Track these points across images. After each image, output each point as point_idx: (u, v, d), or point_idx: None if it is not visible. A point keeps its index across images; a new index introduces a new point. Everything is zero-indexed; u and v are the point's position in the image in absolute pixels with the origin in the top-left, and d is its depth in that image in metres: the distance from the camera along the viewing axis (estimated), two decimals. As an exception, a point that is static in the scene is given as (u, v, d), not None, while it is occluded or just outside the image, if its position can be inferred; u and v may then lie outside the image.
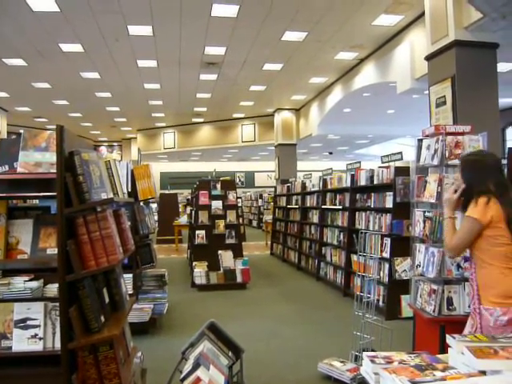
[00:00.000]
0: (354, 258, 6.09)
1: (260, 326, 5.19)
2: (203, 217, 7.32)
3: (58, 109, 16.50)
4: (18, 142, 2.28)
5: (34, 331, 2.23)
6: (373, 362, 1.41)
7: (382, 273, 5.20)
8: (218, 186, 7.43)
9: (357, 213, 6.12)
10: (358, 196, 6.14)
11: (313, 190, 8.27)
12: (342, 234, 6.63)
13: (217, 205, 7.32)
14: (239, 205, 16.56)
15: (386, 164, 5.52)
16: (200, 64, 11.46)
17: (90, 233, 2.12)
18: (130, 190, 4.87)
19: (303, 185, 8.93)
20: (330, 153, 22.31)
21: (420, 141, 3.41)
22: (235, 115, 18.43)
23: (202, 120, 19.34)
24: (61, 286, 2.08)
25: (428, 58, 6.69)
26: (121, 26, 8.88)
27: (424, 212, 3.20)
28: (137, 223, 4.92)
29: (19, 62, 11.06)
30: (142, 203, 5.11)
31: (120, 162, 4.99)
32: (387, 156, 5.53)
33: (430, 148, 3.18)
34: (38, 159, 2.25)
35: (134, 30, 9.12)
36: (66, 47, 10.08)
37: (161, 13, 8.39)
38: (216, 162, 24.98)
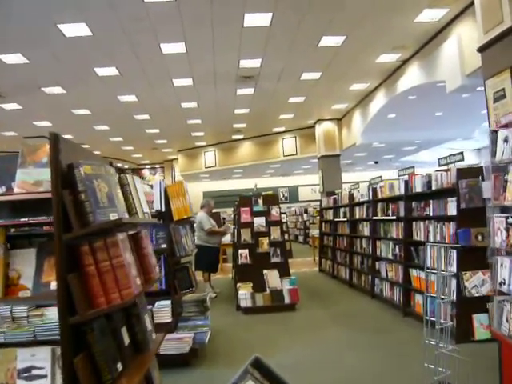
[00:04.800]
0: (413, 272, 5.47)
1: (312, 355, 4.64)
2: (246, 235, 6.90)
3: (99, 134, 16.72)
4: (16, 159, 1.94)
5: (40, 383, 1.85)
6: None
7: (447, 289, 4.55)
8: (260, 201, 7.00)
9: (413, 223, 5.50)
10: (413, 204, 5.52)
11: (362, 200, 7.68)
12: (397, 246, 6.02)
13: (259, 222, 6.88)
14: (284, 220, 16.07)
15: (445, 167, 4.92)
16: (236, 78, 11.21)
17: (97, 263, 1.73)
18: (163, 209, 4.54)
19: (351, 196, 8.35)
20: (376, 162, 21.50)
21: (494, 133, 2.83)
22: (275, 129, 18.07)
23: (242, 136, 19.11)
24: (63, 330, 1.68)
25: (481, 50, 5.99)
26: (154, 45, 8.74)
27: (507, 218, 2.63)
28: (173, 245, 4.56)
29: (58, 89, 11.19)
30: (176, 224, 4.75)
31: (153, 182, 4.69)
32: (445, 158, 4.94)
33: (509, 140, 2.62)
34: (37, 177, 1.90)
35: (167, 48, 8.96)
36: (102, 71, 10.08)
37: (192, 28, 8.19)
38: (258, 178, 24.65)
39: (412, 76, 10.19)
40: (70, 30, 7.95)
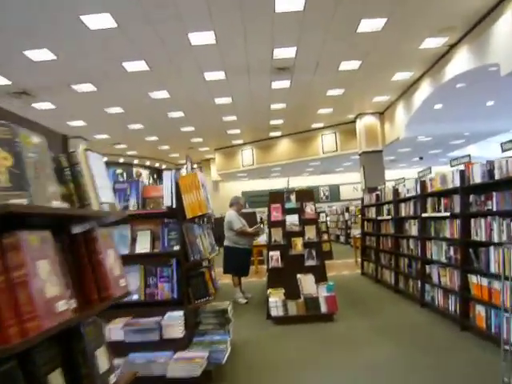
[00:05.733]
0: (473, 279, 4.61)
1: (354, 379, 3.89)
2: (277, 235, 6.20)
3: (134, 133, 16.51)
4: None
5: None
6: None
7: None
8: (293, 197, 6.28)
9: (472, 220, 4.64)
10: (471, 198, 4.66)
11: (408, 195, 6.80)
12: (451, 248, 5.15)
13: (292, 220, 6.16)
14: (324, 220, 15.28)
15: (510, 150, 4.08)
16: (270, 70, 10.58)
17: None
18: (174, 205, 3.94)
19: (395, 191, 7.49)
20: (421, 158, 20.29)
21: None
22: (314, 125, 17.33)
23: (279, 134, 18.48)
24: None
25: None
26: (181, 35, 8.27)
27: None
28: (186, 247, 3.95)
29: (89, 87, 10.93)
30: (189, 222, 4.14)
31: (164, 172, 4.11)
32: (510, 142, 4.09)
33: None
34: None
35: (196, 38, 8.47)
36: (130, 66, 9.71)
37: (221, 14, 7.64)
38: (297, 176, 23.92)
39: (460, 61, 9.24)
40: (93, 22, 7.58)
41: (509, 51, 7.30)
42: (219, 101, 12.97)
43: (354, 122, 16.07)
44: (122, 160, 22.37)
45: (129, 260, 4.31)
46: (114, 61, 9.35)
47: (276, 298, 5.71)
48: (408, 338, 4.91)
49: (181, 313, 3.88)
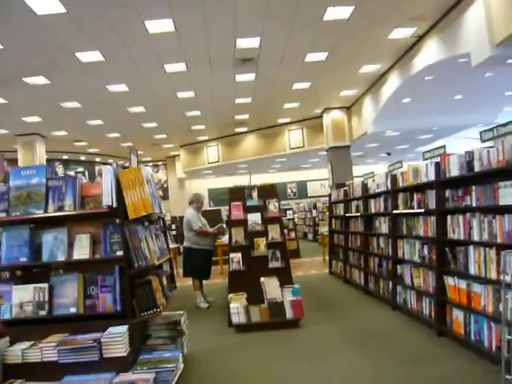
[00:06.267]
0: (450, 281, 4.24)
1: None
2: (238, 235, 5.71)
3: (94, 130, 15.68)
4: None
5: None
6: None
7: (501, 306, 3.34)
8: (255, 194, 5.81)
9: (448, 216, 4.27)
10: (447, 193, 4.29)
11: (378, 191, 6.44)
12: (426, 247, 4.78)
13: (254, 219, 5.70)
14: (291, 217, 14.93)
15: (489, 141, 3.73)
16: (234, 61, 10.08)
17: None
18: (115, 205, 3.42)
19: (364, 186, 7.12)
20: (388, 153, 20.22)
21: None
22: (280, 120, 16.94)
23: (245, 129, 17.99)
24: None
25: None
26: (137, 23, 7.66)
27: None
28: (129, 252, 3.43)
29: (41, 79, 10.17)
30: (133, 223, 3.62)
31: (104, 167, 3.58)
32: (491, 130, 3.74)
33: None
34: None
35: (153, 26, 7.86)
36: (84, 56, 9.02)
37: (180, 1, 7.09)
38: (264, 173, 23.53)
39: (430, 52, 8.99)
40: (40, 8, 6.90)
41: (479, 41, 7.05)
42: (181, 95, 12.38)
43: (320, 116, 15.76)
44: (83, 158, 21.43)
45: (65, 268, 3.78)
46: (65, 50, 8.65)
47: (237, 304, 5.23)
48: (379, 345, 4.51)
49: (124, 328, 3.36)
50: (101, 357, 3.23)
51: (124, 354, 3.26)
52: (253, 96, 13.13)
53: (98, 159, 22.14)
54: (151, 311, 3.46)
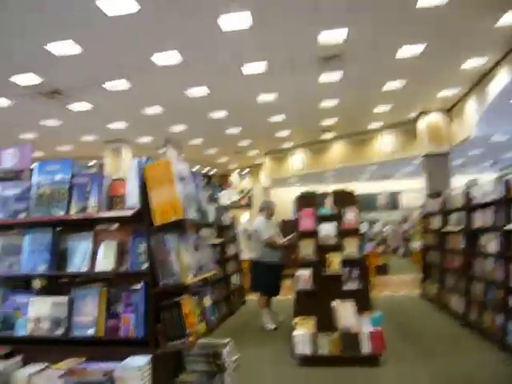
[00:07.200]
0: None
1: None
2: (306, 249, 4.88)
3: (177, 136, 15.65)
4: None
5: None
6: None
7: None
8: (329, 201, 4.95)
9: None
10: None
11: (485, 201, 5.21)
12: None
13: (327, 230, 4.83)
14: (380, 230, 13.69)
15: None
16: (317, 60, 9.27)
17: None
18: (140, 206, 2.79)
19: (467, 195, 5.90)
20: (495, 162, 18.01)
21: None
22: (371, 126, 15.73)
23: (332, 136, 17.00)
24: None
25: None
26: (211, 19, 7.19)
27: None
28: (154, 267, 2.78)
29: (121, 84, 10.13)
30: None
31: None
32: None
33: None
34: None
35: (227, 21, 7.34)
36: (161, 59, 8.77)
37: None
38: (354, 182, 22.24)
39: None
40: (110, 8, 6.71)
41: None
42: (262, 98, 11.80)
43: (415, 120, 14.35)
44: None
45: (85, 280, 3.23)
46: (143, 52, 8.48)
47: (303, 331, 4.38)
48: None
49: (145, 360, 2.69)
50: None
51: (141, 399, 2.58)
52: (339, 98, 12.21)
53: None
54: (179, 341, 2.75)
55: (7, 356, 2.96)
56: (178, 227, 3.08)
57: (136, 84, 10.18)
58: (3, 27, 7.10)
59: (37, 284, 3.48)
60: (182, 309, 2.79)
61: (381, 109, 13.39)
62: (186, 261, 2.94)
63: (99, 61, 8.73)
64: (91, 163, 16.50)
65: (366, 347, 4.31)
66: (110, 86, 10.16)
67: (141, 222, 2.91)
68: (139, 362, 2.68)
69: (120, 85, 10.17)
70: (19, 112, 11.46)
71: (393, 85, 11.13)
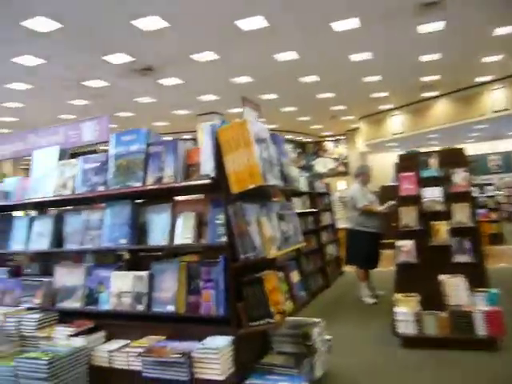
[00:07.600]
0: None
1: None
2: (409, 216, 4.35)
3: (269, 105, 15.38)
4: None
5: None
6: None
7: None
8: (434, 161, 4.34)
9: None
10: None
11: None
12: None
13: (432, 195, 4.25)
14: (493, 194, 12.38)
15: None
16: (414, 8, 8.32)
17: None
18: (214, 174, 2.54)
19: None
20: None
21: None
22: (478, 79, 14.11)
23: (435, 93, 15.59)
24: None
25: None
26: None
27: None
28: (233, 240, 2.53)
29: (211, 55, 10.04)
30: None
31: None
32: None
33: None
34: None
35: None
36: (246, 24, 8.47)
37: None
38: (461, 143, 20.44)
39: None
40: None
41: None
42: (354, 57, 11.01)
43: (534, 69, 12.59)
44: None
45: (164, 253, 3.09)
46: (226, 19, 8.22)
47: (405, 309, 3.93)
48: None
49: (226, 341, 2.49)
50: (191, 377, 2.41)
51: (221, 378, 2.39)
52: (442, 51, 10.99)
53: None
54: (262, 321, 2.50)
55: (91, 331, 2.93)
56: (260, 196, 2.79)
57: (224, 54, 10.01)
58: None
59: (124, 257, 3.44)
60: (265, 285, 2.53)
61: (491, 59, 11.87)
62: (269, 233, 2.65)
63: (185, 33, 8.64)
64: (186, 136, 16.93)
65: (480, 329, 3.75)
66: (198, 57, 10.09)
67: (218, 191, 2.67)
68: (219, 342, 2.49)
69: (208, 56, 10.07)
70: (115, 92, 11.93)
71: (505, 30, 9.70)
